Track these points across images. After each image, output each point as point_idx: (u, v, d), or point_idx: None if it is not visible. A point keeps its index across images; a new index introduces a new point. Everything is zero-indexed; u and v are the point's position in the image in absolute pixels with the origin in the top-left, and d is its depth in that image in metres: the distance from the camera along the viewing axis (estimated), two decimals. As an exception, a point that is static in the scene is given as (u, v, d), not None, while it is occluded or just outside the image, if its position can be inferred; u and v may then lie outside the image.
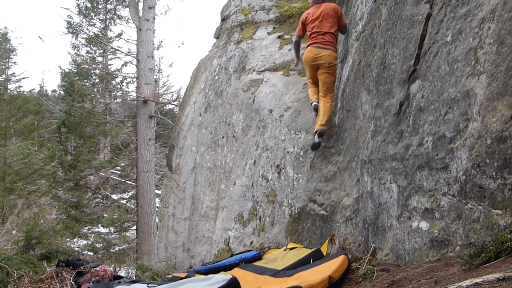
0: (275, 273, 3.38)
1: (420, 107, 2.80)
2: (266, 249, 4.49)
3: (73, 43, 18.91)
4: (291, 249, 4.01)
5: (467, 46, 2.40)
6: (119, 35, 18.75)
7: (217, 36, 8.32)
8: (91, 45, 19.36)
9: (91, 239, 15.21)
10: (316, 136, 4.47)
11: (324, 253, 3.64)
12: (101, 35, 18.37)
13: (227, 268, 3.91)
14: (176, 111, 18.70)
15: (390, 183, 3.08)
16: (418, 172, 2.74)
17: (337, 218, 4.12)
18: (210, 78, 7.43)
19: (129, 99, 18.04)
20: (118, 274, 3.78)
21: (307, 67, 4.82)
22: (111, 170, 19.24)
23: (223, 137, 6.51)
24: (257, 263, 3.90)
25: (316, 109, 4.68)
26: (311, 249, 3.88)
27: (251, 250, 4.30)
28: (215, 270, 3.87)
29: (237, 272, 3.70)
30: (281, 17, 6.89)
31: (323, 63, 4.58)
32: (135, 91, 15.36)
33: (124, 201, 18.10)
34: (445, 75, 2.57)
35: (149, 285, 3.04)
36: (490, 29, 2.25)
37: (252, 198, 5.52)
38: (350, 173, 4.01)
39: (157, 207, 13.08)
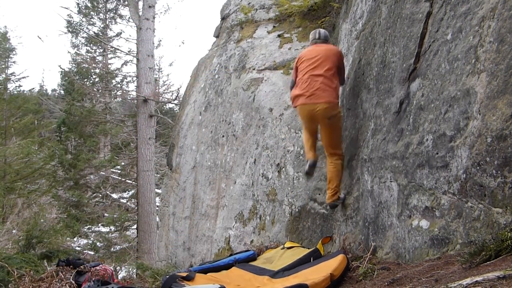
0: (275, 274, 3.38)
1: (420, 106, 2.79)
2: (265, 249, 4.49)
3: (73, 42, 18.92)
4: (288, 248, 4.01)
5: (467, 44, 2.40)
6: (119, 34, 18.73)
7: (217, 35, 8.31)
8: (91, 44, 19.36)
9: (92, 238, 15.22)
10: (329, 207, 3.99)
11: (322, 253, 3.66)
12: (101, 34, 18.36)
13: (224, 267, 3.91)
14: (176, 110, 18.69)
15: (390, 181, 3.08)
16: (418, 171, 2.74)
17: (337, 216, 4.12)
18: (210, 77, 7.42)
19: (129, 98, 18.03)
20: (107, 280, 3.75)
21: (303, 118, 4.04)
22: (111, 169, 19.24)
23: (223, 136, 6.50)
24: (254, 263, 3.90)
25: (311, 165, 3.94)
26: (309, 248, 3.88)
27: (248, 250, 4.29)
28: (213, 269, 3.87)
29: (235, 272, 3.71)
30: (281, 15, 6.88)
31: (318, 118, 3.79)
32: (135, 90, 15.35)
33: (124, 200, 18.11)
34: (445, 74, 2.57)
35: None
36: (490, 28, 2.25)
37: (252, 197, 5.52)
38: (350, 171, 4.01)
39: (158, 206, 13.09)
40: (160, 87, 19.19)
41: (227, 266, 3.92)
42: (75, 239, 14.40)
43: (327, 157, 3.88)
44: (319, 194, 4.44)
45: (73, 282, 3.63)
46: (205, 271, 3.85)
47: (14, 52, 17.20)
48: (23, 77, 17.78)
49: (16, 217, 10.59)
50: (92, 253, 13.40)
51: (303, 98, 3.80)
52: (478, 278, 1.65)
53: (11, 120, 13.95)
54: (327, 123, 3.76)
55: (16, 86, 18.47)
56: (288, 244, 4.11)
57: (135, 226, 14.61)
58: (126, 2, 15.56)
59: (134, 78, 16.13)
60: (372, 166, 3.40)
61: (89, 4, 17.61)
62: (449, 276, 2.02)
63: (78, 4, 17.34)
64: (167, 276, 3.44)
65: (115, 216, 14.53)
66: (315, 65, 3.80)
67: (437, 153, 2.56)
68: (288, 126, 5.12)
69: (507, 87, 2.09)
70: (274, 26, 6.92)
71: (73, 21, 17.53)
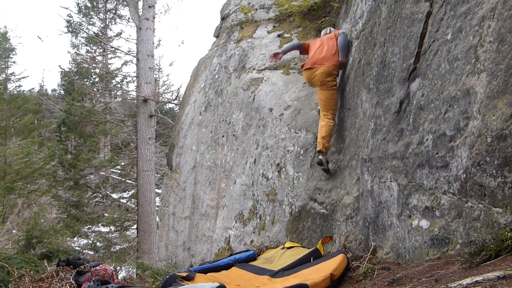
0: (275, 273, 3.39)
1: (420, 106, 2.79)
2: (265, 249, 4.49)
3: (73, 42, 18.93)
4: (288, 248, 4.01)
5: (467, 44, 2.40)
6: (119, 34, 18.74)
7: (217, 35, 8.31)
8: (91, 44, 19.36)
9: (92, 238, 15.22)
10: (316, 164, 4.37)
11: (322, 253, 3.65)
12: (101, 34, 18.37)
13: (224, 267, 3.91)
14: (176, 110, 18.69)
15: (391, 181, 3.08)
16: (419, 171, 2.74)
17: (337, 216, 4.12)
18: (210, 77, 7.42)
19: (129, 98, 18.04)
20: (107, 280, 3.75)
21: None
22: (111, 169, 19.24)
23: (223, 136, 6.51)
24: (254, 263, 3.90)
25: (319, 163, 4.44)
26: (309, 248, 3.88)
27: (248, 250, 4.30)
28: (213, 269, 3.88)
29: (235, 272, 3.71)
30: (281, 15, 6.88)
31: (316, 83, 4.48)
32: (135, 90, 15.36)
33: (124, 200, 18.12)
34: (445, 74, 2.57)
35: None
36: (490, 27, 2.25)
37: (252, 197, 5.52)
38: (350, 171, 4.01)
39: (158, 206, 13.09)
40: (160, 87, 19.19)
41: (227, 266, 3.92)
42: (75, 239, 14.40)
43: (320, 116, 4.47)
44: (319, 194, 4.44)
45: (73, 282, 3.63)
46: (205, 271, 3.85)
47: (14, 52, 17.24)
48: (23, 77, 17.80)
49: (16, 217, 10.59)
50: (92, 253, 13.40)
51: (308, 64, 4.58)
52: (478, 278, 1.65)
53: (11, 120, 13.95)
54: (322, 87, 4.42)
55: (16, 86, 18.49)
56: (288, 244, 4.11)
57: (135, 226, 14.61)
58: (126, 2, 15.56)
59: (134, 78, 16.14)
60: (372, 166, 3.40)
61: (89, 4, 17.62)
62: (449, 276, 2.02)
63: (78, 4, 17.36)
64: (167, 276, 3.45)
65: (115, 216, 14.53)
66: (320, 46, 4.61)
67: (437, 153, 2.56)
68: (288, 126, 5.12)
69: (507, 87, 2.09)
70: (274, 26, 6.92)
71: (73, 21, 17.54)
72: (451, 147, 2.44)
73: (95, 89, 16.83)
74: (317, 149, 4.31)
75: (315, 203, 4.46)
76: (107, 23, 18.49)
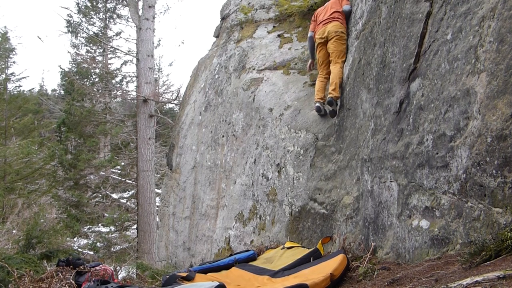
0: (275, 273, 3.38)
1: (420, 106, 2.79)
2: (265, 249, 4.49)
3: (73, 42, 18.92)
4: (288, 248, 4.01)
5: (467, 44, 2.40)
6: (118, 34, 18.74)
7: (217, 35, 8.31)
8: (91, 44, 19.36)
9: (92, 238, 15.21)
10: (327, 105, 4.57)
11: (322, 253, 3.65)
12: (100, 34, 18.37)
13: (224, 267, 3.91)
14: (176, 110, 18.70)
15: (391, 181, 3.08)
16: (419, 171, 2.74)
17: (337, 216, 4.12)
18: (210, 77, 7.42)
19: (129, 98, 18.03)
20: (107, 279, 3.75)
21: (318, 50, 4.94)
22: (111, 169, 19.23)
23: (223, 136, 6.50)
24: (254, 263, 3.89)
25: (317, 110, 4.71)
26: (309, 248, 3.88)
27: (248, 250, 4.30)
28: (213, 269, 3.88)
29: (235, 272, 3.71)
30: (281, 15, 6.88)
31: (330, 34, 4.70)
32: (135, 90, 15.35)
33: (124, 200, 18.11)
34: (445, 74, 2.57)
35: None
36: (490, 27, 2.25)
37: (252, 197, 5.52)
38: (350, 171, 4.01)
39: (158, 206, 13.09)
40: (160, 87, 19.19)
41: (227, 266, 3.92)
42: (75, 239, 14.39)
43: (332, 65, 4.75)
44: (319, 194, 4.44)
45: (73, 282, 3.63)
46: (205, 271, 3.85)
47: (14, 52, 17.22)
48: (23, 77, 17.82)
49: (16, 217, 10.59)
50: (92, 253, 13.39)
51: (319, 27, 4.91)
52: (478, 278, 1.65)
53: (11, 120, 13.95)
54: (335, 38, 4.68)
55: (16, 86, 18.50)
56: (288, 244, 4.11)
57: (135, 226, 14.61)
58: (126, 2, 15.55)
59: (134, 78, 16.15)
60: (372, 166, 3.40)
61: (88, 4, 17.62)
62: (449, 276, 2.02)
63: (78, 4, 17.35)
64: (167, 276, 3.45)
65: (115, 216, 14.52)
66: (327, 10, 4.93)
67: (437, 153, 2.56)
68: (288, 126, 5.12)
69: (507, 87, 2.09)
70: (274, 26, 6.92)
71: (73, 21, 17.53)
72: (451, 147, 2.44)
73: (95, 89, 16.81)
74: (329, 96, 4.47)
75: (315, 203, 4.46)
76: (107, 23, 18.49)
